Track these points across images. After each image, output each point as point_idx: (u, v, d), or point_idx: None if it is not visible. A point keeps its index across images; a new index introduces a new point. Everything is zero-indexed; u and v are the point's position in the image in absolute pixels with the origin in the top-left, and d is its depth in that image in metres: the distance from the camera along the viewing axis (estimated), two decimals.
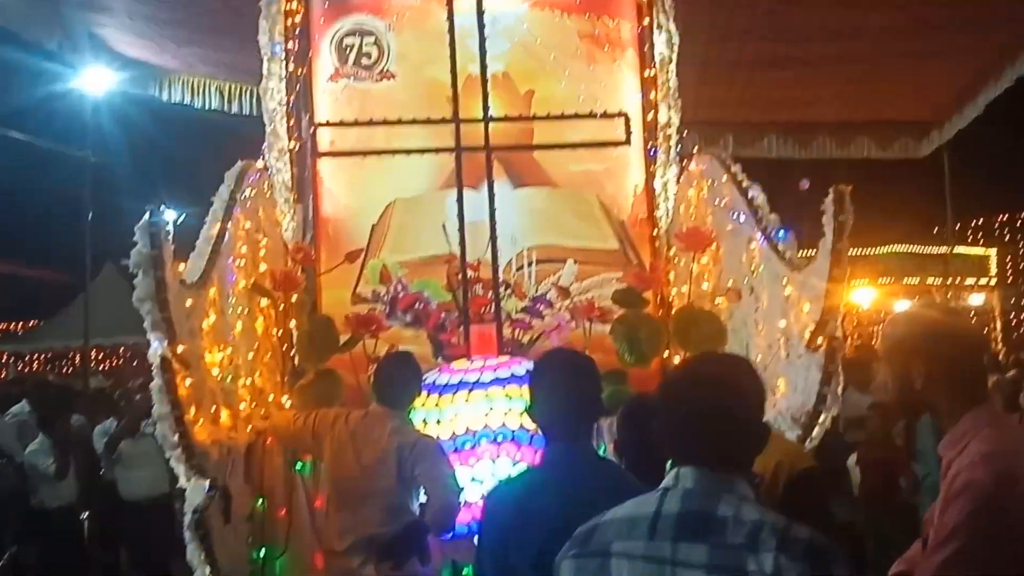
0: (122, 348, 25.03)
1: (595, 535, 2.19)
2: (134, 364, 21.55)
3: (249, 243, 5.81)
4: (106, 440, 8.21)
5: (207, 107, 10.34)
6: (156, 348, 4.45)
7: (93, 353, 23.04)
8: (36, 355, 27.81)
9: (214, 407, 4.94)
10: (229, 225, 5.42)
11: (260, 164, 6.36)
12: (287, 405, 5.83)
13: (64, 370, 25.87)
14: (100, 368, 25.04)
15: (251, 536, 5.27)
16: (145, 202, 4.85)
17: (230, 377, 5.24)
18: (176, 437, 4.46)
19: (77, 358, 24.73)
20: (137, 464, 8.04)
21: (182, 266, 4.85)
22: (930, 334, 2.61)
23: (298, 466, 5.44)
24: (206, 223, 5.38)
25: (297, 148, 6.65)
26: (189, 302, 4.72)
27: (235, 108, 10.29)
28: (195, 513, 4.63)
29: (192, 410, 4.58)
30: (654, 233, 6.88)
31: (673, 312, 6.45)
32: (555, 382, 3.05)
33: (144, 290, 4.39)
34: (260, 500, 5.34)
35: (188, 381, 4.55)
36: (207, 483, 4.64)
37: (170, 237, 4.52)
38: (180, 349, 4.47)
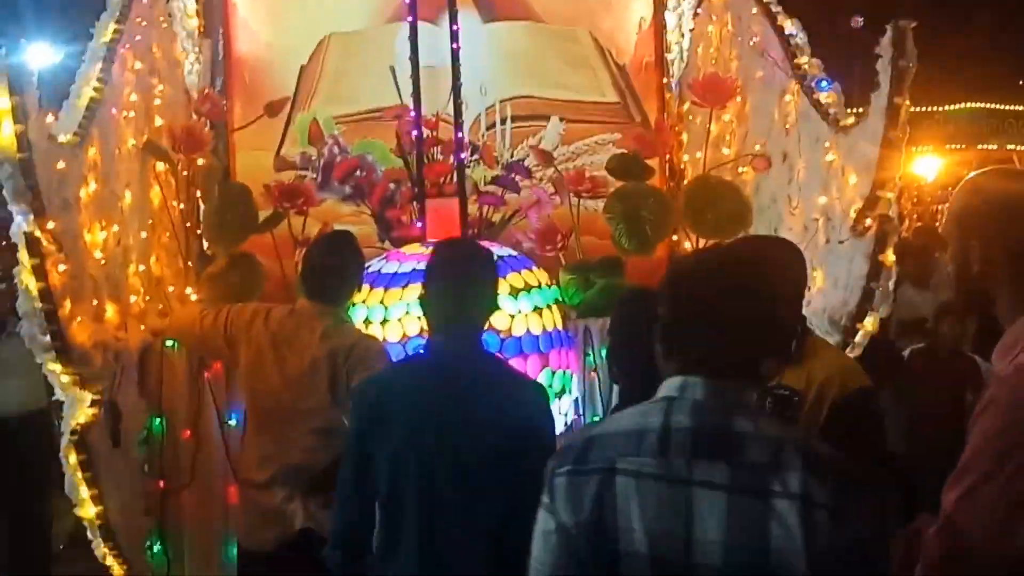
0: None
1: (593, 449, 2.31)
2: None
3: (141, 90, 5.71)
4: None
5: None
6: (19, 224, 4.39)
7: None
8: None
9: (96, 300, 4.90)
10: (114, 66, 5.32)
11: None
12: (192, 299, 5.81)
13: None
14: None
15: (146, 463, 5.30)
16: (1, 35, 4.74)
17: (118, 263, 5.20)
18: (47, 338, 4.44)
19: None
20: (4, 372, 8.02)
21: (52, 118, 4.74)
22: (993, 206, 2.52)
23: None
24: (83, 63, 5.26)
25: None
26: (62, 165, 4.65)
27: None
28: (74, 434, 4.64)
29: (68, 304, 4.54)
30: (663, 82, 6.83)
31: (685, 184, 6.43)
32: (447, 273, 3.50)
33: (2, 150, 4.31)
34: (158, 419, 5.36)
35: (62, 267, 4.50)
36: (89, 396, 4.64)
37: (35, 81, 4.43)
38: (51, 225, 4.42)
